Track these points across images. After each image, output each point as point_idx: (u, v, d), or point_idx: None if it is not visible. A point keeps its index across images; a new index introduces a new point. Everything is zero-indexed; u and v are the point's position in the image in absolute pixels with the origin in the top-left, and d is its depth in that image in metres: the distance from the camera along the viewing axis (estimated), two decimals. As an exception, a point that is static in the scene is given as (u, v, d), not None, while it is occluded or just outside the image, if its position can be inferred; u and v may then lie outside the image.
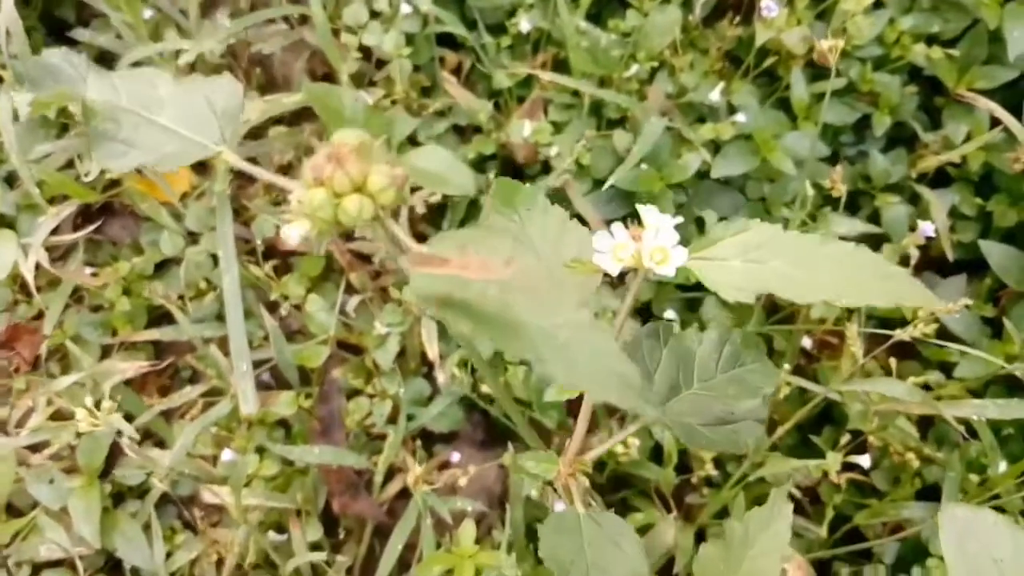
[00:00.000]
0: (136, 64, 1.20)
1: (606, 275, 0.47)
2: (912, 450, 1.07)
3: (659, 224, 0.44)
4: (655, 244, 0.44)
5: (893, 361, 1.05)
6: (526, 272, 0.32)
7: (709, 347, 0.56)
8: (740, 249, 0.44)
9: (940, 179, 1.27)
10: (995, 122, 1.17)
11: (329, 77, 1.32)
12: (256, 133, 1.26)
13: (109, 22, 1.30)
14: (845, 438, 1.07)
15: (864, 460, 0.99)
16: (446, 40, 1.29)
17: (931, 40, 1.24)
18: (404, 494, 1.14)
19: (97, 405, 1.13)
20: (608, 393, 0.29)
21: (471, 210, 1.20)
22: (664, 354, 0.54)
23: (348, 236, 1.22)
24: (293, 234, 0.40)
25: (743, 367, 0.57)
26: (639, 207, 0.45)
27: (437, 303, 0.33)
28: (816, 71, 1.25)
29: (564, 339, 0.30)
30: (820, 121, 1.05)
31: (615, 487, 1.15)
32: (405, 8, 1.16)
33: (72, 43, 1.33)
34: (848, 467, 1.04)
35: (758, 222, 0.45)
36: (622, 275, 0.47)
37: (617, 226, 0.45)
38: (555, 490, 1.02)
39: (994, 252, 1.14)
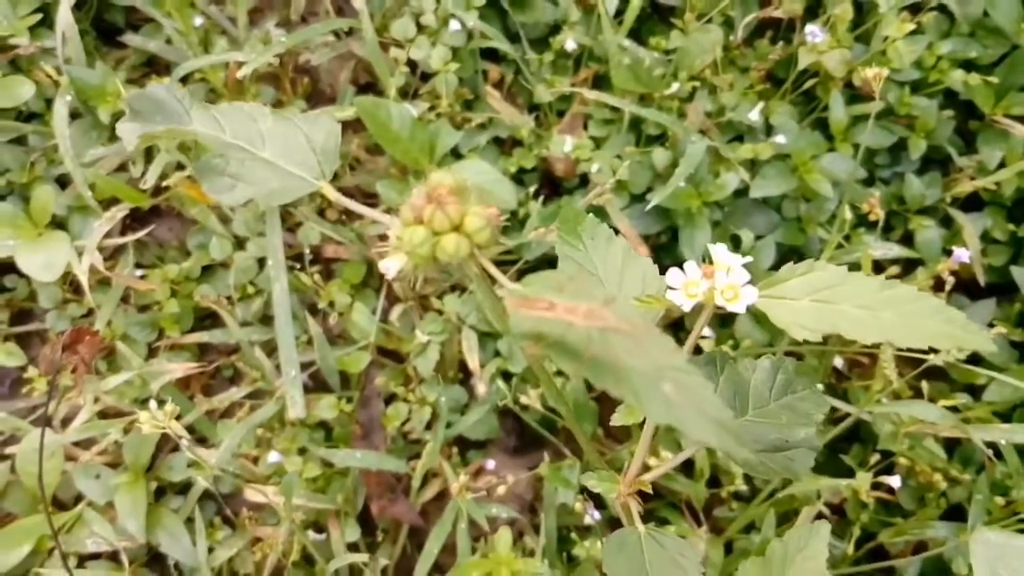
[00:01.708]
0: (189, 75, 1.23)
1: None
2: (939, 471, 1.08)
3: (730, 263, 0.46)
4: (727, 282, 0.46)
5: (925, 384, 1.07)
6: (625, 316, 0.34)
7: (763, 375, 0.58)
8: (808, 289, 0.46)
9: (973, 202, 1.28)
10: (1030, 148, 1.19)
11: (372, 86, 1.35)
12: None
13: (159, 27, 1.34)
14: (874, 457, 1.09)
15: (894, 481, 1.01)
16: (489, 52, 1.31)
17: (969, 65, 1.26)
18: (439, 497, 1.17)
19: (145, 403, 1.17)
20: (707, 436, 0.31)
21: (510, 222, 1.22)
22: (721, 382, 0.57)
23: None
24: (391, 267, 0.43)
25: (794, 395, 0.59)
26: (710, 246, 0.47)
27: (537, 342, 0.35)
28: (854, 92, 1.27)
29: (664, 384, 0.32)
30: (858, 143, 1.07)
31: (646, 498, 1.17)
32: (454, 25, 1.19)
33: (123, 47, 1.36)
34: (876, 485, 1.06)
35: (824, 263, 0.47)
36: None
37: (689, 263, 0.47)
38: (592, 505, 1.04)
39: (1026, 278, 1.15)
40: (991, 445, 1.05)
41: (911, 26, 1.18)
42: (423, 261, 0.42)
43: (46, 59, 1.27)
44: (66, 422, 1.18)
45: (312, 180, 0.45)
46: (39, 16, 1.27)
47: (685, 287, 0.47)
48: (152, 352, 1.22)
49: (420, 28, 1.24)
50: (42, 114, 1.28)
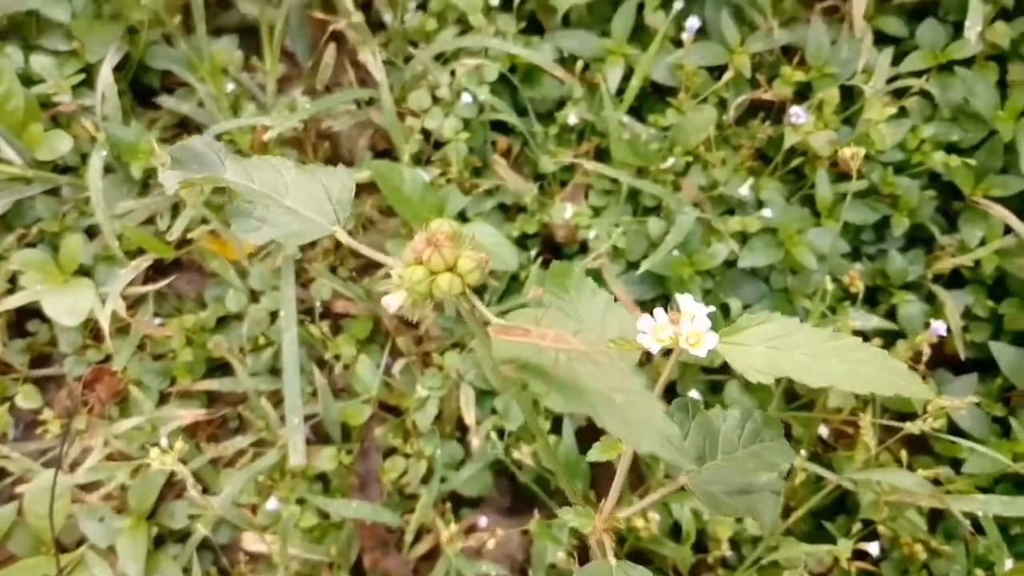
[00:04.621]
0: (219, 135, 1.32)
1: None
2: (920, 542, 1.11)
3: (695, 311, 0.52)
4: (691, 329, 0.51)
5: (904, 454, 1.11)
6: (590, 344, 0.40)
7: (732, 424, 0.63)
8: (764, 338, 0.51)
9: (955, 280, 1.34)
10: (1009, 228, 1.25)
11: (389, 152, 1.43)
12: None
13: (193, 91, 1.43)
14: (857, 526, 1.12)
15: (873, 548, 1.04)
16: (498, 124, 1.40)
17: (950, 148, 1.33)
18: (431, 554, 1.19)
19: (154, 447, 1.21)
20: (654, 446, 0.36)
21: (511, 284, 1.28)
22: (692, 427, 0.61)
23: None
24: (393, 302, 0.48)
25: (762, 443, 0.63)
26: (677, 296, 0.53)
27: (515, 365, 0.40)
28: (841, 171, 1.34)
29: (620, 402, 0.37)
30: (841, 219, 1.14)
31: (634, 563, 1.20)
32: (466, 99, 1.28)
33: (157, 108, 1.46)
34: (859, 555, 1.08)
35: (779, 315, 0.52)
36: (648, 354, 0.55)
37: (659, 310, 0.52)
38: (580, 548, 1.07)
39: (1004, 354, 1.20)
40: (973, 517, 1.08)
41: (892, 110, 1.25)
42: (420, 297, 0.47)
43: (85, 116, 1.36)
44: (74, 466, 1.22)
45: (327, 225, 0.51)
46: (82, 76, 1.36)
47: (654, 332, 0.52)
48: (163, 398, 1.27)
49: (435, 100, 1.33)
50: (76, 167, 1.36)
